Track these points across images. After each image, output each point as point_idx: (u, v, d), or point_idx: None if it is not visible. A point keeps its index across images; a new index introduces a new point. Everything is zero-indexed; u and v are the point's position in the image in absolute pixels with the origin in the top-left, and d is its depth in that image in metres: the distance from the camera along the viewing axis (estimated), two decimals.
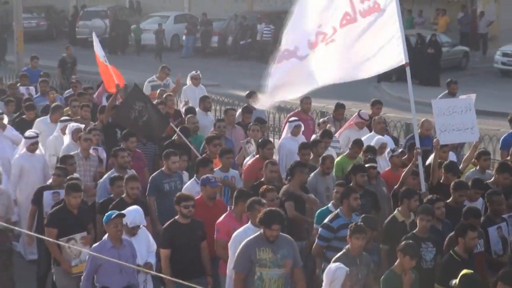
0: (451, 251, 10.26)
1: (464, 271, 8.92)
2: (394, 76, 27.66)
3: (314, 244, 11.25)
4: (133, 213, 10.57)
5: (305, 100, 16.60)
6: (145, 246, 10.75)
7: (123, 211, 10.51)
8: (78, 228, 11.33)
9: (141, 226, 10.69)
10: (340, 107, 17.27)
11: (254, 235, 9.86)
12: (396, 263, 9.79)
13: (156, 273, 10.75)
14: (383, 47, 12.24)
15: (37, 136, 14.54)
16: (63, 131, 15.08)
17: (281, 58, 12.75)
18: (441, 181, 12.48)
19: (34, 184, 13.75)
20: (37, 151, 14.39)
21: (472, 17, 36.35)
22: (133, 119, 15.28)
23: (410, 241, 10.19)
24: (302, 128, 15.36)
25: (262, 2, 42.44)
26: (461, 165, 13.66)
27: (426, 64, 30.43)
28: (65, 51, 26.15)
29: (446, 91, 19.32)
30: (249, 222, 10.51)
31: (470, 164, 13.68)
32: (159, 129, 15.45)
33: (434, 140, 12.84)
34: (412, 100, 12.61)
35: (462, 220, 10.99)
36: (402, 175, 12.68)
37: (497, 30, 36.34)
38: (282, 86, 12.98)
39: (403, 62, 12.12)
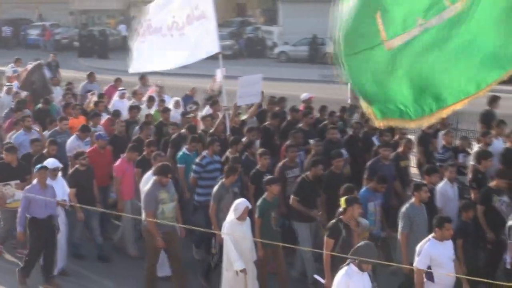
0: (303, 176, 10.80)
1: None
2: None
3: (191, 177, 11.79)
4: (52, 161, 11.67)
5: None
6: (61, 189, 11.76)
7: (44, 163, 11.37)
8: (16, 178, 12.15)
9: (59, 168, 11.62)
10: (144, 77, 19.00)
11: (150, 183, 10.30)
12: (266, 194, 10.06)
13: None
14: (204, 40, 13.27)
15: None
16: None
17: (148, 32, 13.75)
18: (267, 124, 13.92)
19: None
20: None
21: None
22: (31, 82, 18.07)
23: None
24: (127, 94, 17.29)
25: (4, 13, 51.99)
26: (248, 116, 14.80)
27: None
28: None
29: None
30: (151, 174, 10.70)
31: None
32: (41, 94, 17.57)
33: (235, 102, 13.82)
34: (220, 75, 14.10)
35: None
36: (216, 125, 13.43)
37: None
38: (150, 57, 13.68)
39: (217, 51, 13.20)
